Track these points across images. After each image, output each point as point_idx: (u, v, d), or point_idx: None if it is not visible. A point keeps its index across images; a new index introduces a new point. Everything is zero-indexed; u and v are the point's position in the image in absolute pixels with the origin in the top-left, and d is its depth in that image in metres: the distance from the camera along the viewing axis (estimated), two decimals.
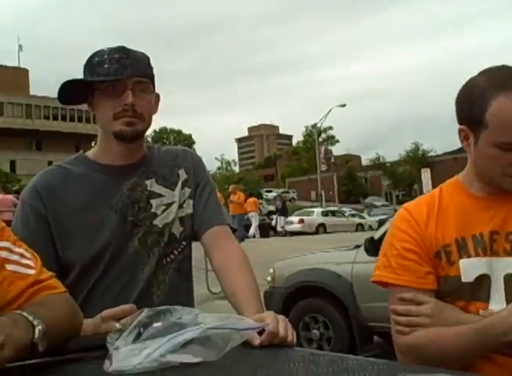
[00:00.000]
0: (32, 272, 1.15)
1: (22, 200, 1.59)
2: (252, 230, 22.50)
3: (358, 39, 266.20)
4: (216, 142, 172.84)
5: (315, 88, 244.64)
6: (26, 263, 1.15)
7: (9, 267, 1.12)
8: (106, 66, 1.49)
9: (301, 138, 73.35)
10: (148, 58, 1.60)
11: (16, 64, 70.78)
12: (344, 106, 43.85)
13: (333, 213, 31.23)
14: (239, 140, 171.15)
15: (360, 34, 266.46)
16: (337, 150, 72.79)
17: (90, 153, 1.66)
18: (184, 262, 1.67)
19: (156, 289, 1.59)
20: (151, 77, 1.60)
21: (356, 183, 67.94)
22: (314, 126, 52.64)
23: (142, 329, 1.07)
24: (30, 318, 0.98)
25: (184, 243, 1.66)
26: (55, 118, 65.20)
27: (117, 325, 1.17)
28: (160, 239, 1.60)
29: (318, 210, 31.08)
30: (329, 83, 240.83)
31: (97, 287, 1.55)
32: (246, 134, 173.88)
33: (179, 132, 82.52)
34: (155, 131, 77.14)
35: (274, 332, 1.16)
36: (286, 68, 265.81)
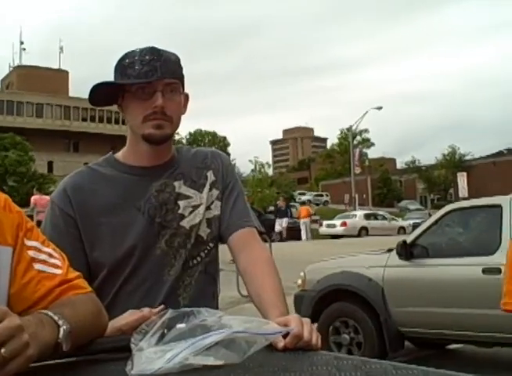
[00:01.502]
0: (59, 271, 1.16)
1: (52, 201, 1.60)
2: (304, 236, 24.54)
3: (396, 43, 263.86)
4: (250, 145, 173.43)
5: (352, 91, 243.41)
6: (53, 263, 1.17)
7: (37, 266, 1.13)
8: (136, 68, 1.49)
9: (336, 140, 72.84)
10: (178, 58, 1.59)
11: (56, 66, 72.18)
12: (380, 108, 43.55)
13: (376, 216, 31.35)
14: (274, 142, 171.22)
15: (398, 37, 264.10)
16: (372, 153, 72.36)
17: (119, 155, 1.67)
18: (210, 264, 1.67)
19: (183, 291, 1.59)
20: (181, 78, 1.59)
21: (390, 187, 67.26)
22: (349, 129, 52.33)
23: (165, 330, 1.08)
24: (56, 318, 0.99)
25: (211, 244, 1.66)
26: (92, 120, 66.23)
27: (143, 326, 1.18)
28: (187, 241, 1.60)
29: (360, 213, 31.35)
30: (365, 86, 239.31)
31: (124, 288, 1.56)
32: (280, 136, 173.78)
33: (214, 135, 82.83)
34: (190, 134, 77.66)
35: (298, 335, 1.15)
36: (323, 71, 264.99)
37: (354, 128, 48.76)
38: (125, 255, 1.55)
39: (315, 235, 26.87)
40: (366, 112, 43.43)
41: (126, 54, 1.55)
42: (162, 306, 1.32)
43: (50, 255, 1.18)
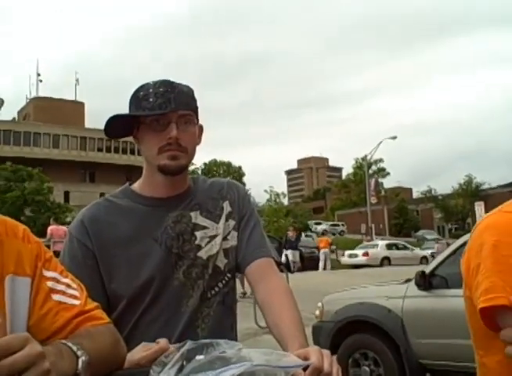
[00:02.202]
0: (77, 302, 1.15)
1: (69, 233, 1.61)
2: (321, 266, 25.03)
3: (410, 72, 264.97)
4: (265, 175, 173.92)
5: (366, 121, 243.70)
6: (71, 293, 1.16)
7: (55, 297, 1.13)
8: (150, 99, 1.51)
9: (351, 170, 72.80)
10: (192, 90, 1.61)
11: (72, 97, 73.23)
12: (394, 138, 43.58)
13: (397, 246, 31.51)
14: (289, 172, 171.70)
15: (411, 67, 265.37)
16: (387, 183, 72.00)
17: (135, 186, 1.68)
18: (228, 295, 1.65)
19: (201, 322, 1.58)
20: (195, 110, 1.60)
21: (407, 216, 66.90)
22: (364, 158, 52.35)
23: (184, 362, 1.06)
24: (74, 348, 0.98)
25: (228, 275, 1.65)
26: (108, 150, 66.90)
27: (162, 357, 1.16)
28: (205, 271, 1.59)
29: (382, 243, 31.51)
30: (380, 115, 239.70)
31: (142, 320, 1.55)
32: (295, 166, 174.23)
33: (229, 165, 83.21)
34: (205, 164, 78.04)
35: (319, 368, 1.12)
36: (337, 101, 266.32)
37: (369, 157, 48.83)
38: (143, 287, 1.54)
39: (336, 265, 27.15)
40: (381, 142, 43.55)
41: (140, 87, 1.56)
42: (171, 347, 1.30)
43: (68, 286, 1.17)
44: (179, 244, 1.58)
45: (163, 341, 1.26)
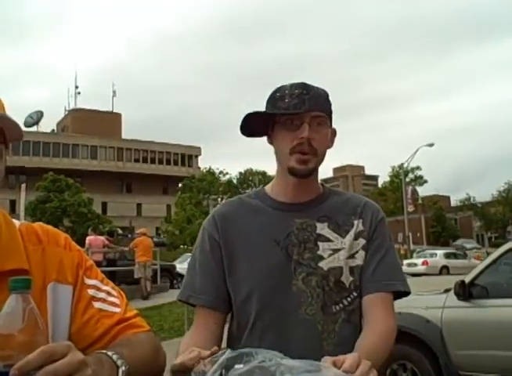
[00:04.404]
0: (118, 310, 1.17)
1: (203, 228, 1.69)
2: None
3: (447, 77, 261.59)
4: None
5: (403, 127, 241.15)
6: (112, 301, 1.18)
7: (96, 305, 1.15)
8: (286, 100, 1.55)
9: (388, 178, 72.07)
10: (327, 94, 1.64)
11: (109, 108, 74.31)
12: (431, 145, 42.93)
13: (456, 255, 31.72)
14: (324, 181, 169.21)
15: (449, 71, 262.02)
16: (425, 191, 70.92)
17: (268, 187, 1.72)
18: (354, 313, 1.60)
19: (327, 336, 1.55)
20: (328, 113, 1.63)
21: (445, 225, 65.91)
22: (400, 166, 51.86)
23: (223, 371, 1.06)
24: (115, 358, 0.99)
25: (354, 293, 1.60)
26: (144, 161, 67.57)
27: (201, 366, 1.17)
28: (324, 282, 1.57)
29: (441, 252, 31.82)
30: (417, 122, 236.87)
31: (258, 322, 1.56)
32: (331, 174, 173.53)
33: (264, 174, 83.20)
34: (240, 173, 78.17)
35: (350, 371, 1.09)
36: (373, 107, 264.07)
37: (405, 165, 48.29)
38: (259, 285, 1.56)
39: None
40: (417, 149, 42.94)
41: (277, 88, 1.61)
42: (215, 348, 1.29)
43: (109, 293, 1.19)
44: (300, 250, 1.59)
45: (203, 352, 1.26)
